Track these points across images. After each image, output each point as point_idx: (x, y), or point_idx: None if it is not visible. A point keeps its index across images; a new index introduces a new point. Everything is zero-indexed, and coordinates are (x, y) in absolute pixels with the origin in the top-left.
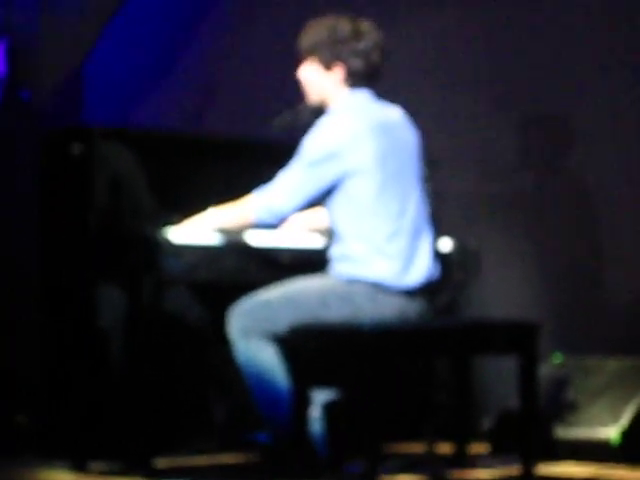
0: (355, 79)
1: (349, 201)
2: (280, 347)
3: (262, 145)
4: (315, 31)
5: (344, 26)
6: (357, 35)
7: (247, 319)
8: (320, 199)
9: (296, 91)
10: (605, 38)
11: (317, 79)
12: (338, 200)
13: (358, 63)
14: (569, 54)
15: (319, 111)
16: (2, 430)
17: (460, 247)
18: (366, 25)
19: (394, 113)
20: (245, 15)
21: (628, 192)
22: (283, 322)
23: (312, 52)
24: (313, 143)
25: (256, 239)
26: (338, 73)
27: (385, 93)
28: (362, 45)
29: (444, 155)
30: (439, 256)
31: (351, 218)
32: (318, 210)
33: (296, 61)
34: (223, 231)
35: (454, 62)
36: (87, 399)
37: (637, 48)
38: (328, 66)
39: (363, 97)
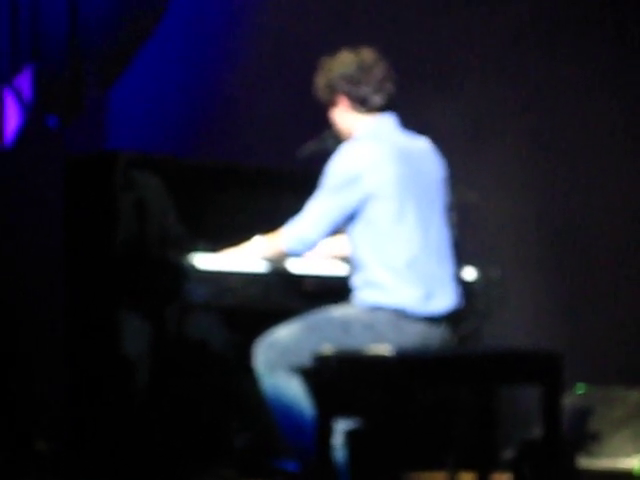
0: (360, 103)
1: (368, 226)
2: (304, 377)
3: (287, 173)
4: (317, 81)
5: (336, 60)
6: (345, 63)
7: (272, 353)
8: (343, 226)
9: (320, 120)
10: None
11: (335, 118)
12: (358, 226)
13: (349, 87)
14: None
15: (343, 138)
16: (22, 455)
17: (484, 276)
18: (363, 53)
19: (419, 142)
20: (270, 46)
21: None
22: (308, 353)
23: (322, 99)
24: (335, 170)
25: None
26: (342, 102)
27: None
28: (350, 70)
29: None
30: (463, 284)
31: (371, 244)
32: (339, 238)
33: None
34: (265, 260)
35: None
36: (108, 425)
37: None
38: (333, 102)
39: (386, 123)
